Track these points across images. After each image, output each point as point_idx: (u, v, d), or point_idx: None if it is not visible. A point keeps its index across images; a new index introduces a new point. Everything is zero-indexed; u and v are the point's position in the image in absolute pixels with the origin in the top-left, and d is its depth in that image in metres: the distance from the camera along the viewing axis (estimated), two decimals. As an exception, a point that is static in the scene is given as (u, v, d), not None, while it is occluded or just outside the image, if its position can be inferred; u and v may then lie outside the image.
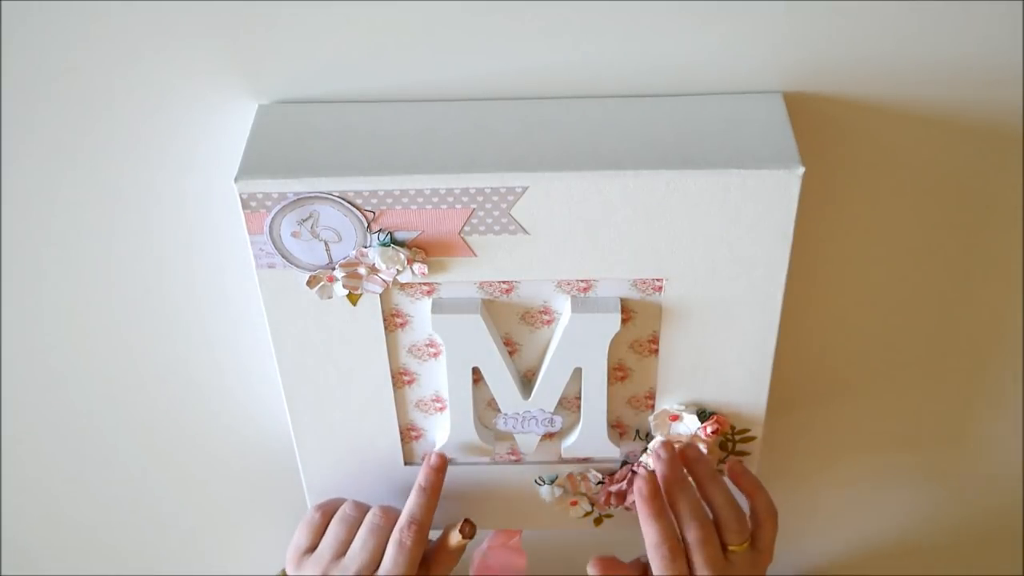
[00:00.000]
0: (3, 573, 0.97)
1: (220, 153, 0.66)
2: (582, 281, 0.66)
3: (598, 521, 0.80)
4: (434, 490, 0.73)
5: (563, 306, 0.67)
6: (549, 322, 0.68)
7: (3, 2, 0.61)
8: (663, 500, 0.70)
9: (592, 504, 0.78)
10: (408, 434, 0.75)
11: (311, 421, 0.73)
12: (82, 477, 0.89)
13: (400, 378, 0.71)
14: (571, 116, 0.63)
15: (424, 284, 0.66)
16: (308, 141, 0.62)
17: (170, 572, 0.97)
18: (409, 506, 0.72)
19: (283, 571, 0.78)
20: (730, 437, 0.74)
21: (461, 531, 0.73)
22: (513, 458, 0.76)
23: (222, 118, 0.65)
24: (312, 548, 0.74)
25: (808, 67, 0.63)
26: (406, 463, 0.76)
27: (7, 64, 0.64)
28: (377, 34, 0.62)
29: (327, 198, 0.60)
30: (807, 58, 0.63)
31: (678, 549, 0.69)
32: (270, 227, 0.62)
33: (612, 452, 0.75)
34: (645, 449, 0.75)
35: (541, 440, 0.75)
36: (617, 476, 0.76)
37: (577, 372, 0.70)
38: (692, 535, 0.69)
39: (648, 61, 0.63)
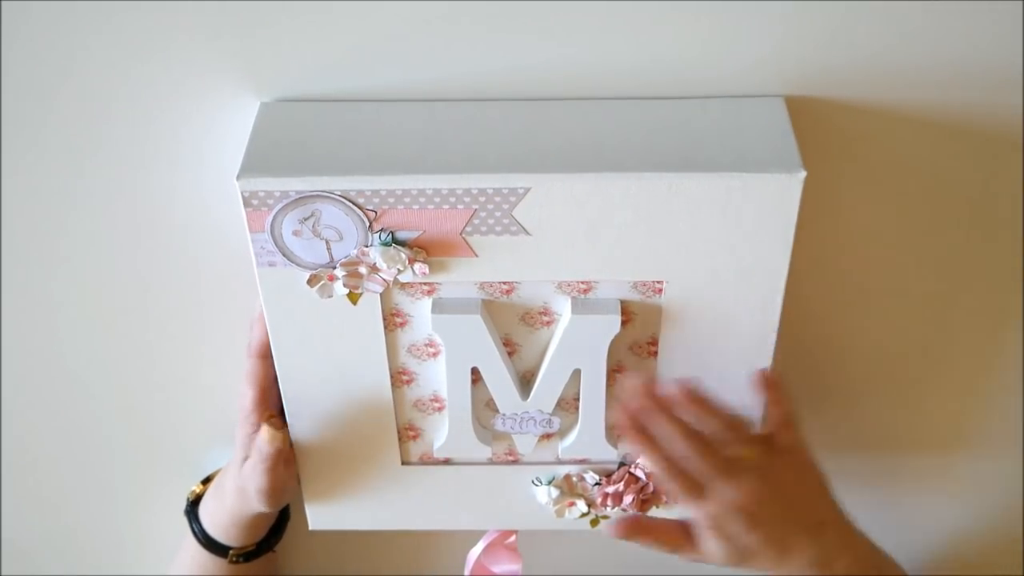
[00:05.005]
0: (3, 573, 0.97)
1: (222, 151, 0.66)
2: (582, 283, 0.66)
3: (595, 522, 0.80)
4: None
5: (563, 307, 0.67)
6: (549, 323, 0.69)
7: (4, 2, 0.61)
8: (645, 429, 0.67)
9: (589, 505, 0.78)
10: (406, 434, 0.75)
11: (309, 419, 0.73)
12: (83, 478, 0.89)
13: (399, 377, 0.71)
14: (573, 118, 0.63)
15: (424, 284, 0.66)
16: (310, 140, 0.62)
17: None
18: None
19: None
20: (728, 439, 0.74)
21: (269, 423, 0.70)
22: (511, 458, 0.76)
23: (224, 116, 0.65)
24: None
25: (810, 71, 0.64)
26: (404, 463, 0.76)
27: (10, 64, 0.64)
28: (380, 33, 0.62)
29: (329, 197, 0.60)
30: (809, 62, 0.63)
31: (676, 468, 0.66)
32: (271, 225, 0.62)
33: (610, 454, 0.75)
34: (643, 451, 0.75)
35: (539, 441, 0.75)
36: (614, 477, 0.76)
37: (576, 373, 0.70)
38: (680, 451, 0.66)
39: (651, 63, 0.63)
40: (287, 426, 0.71)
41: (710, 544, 0.68)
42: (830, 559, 0.68)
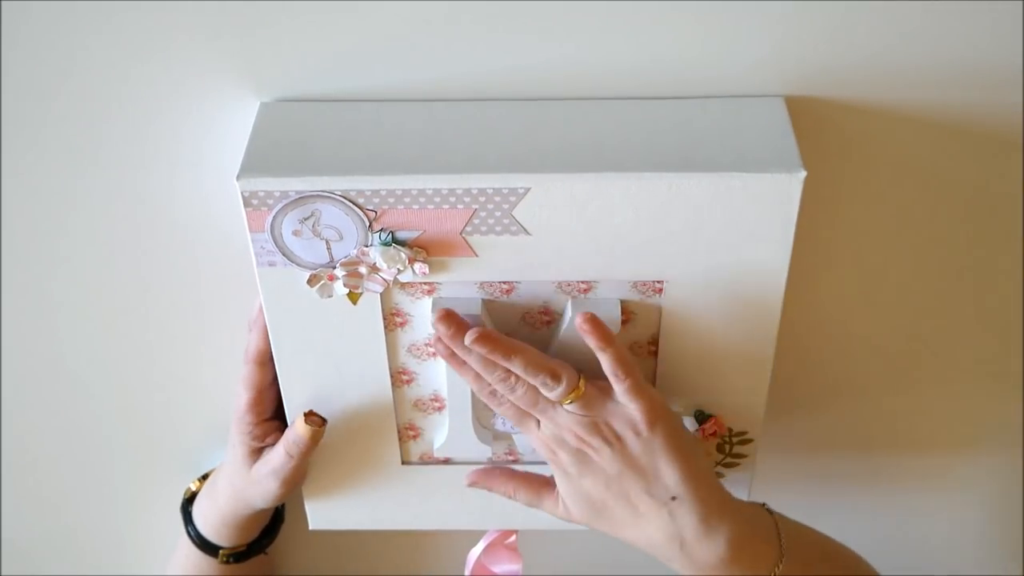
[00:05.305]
0: (3, 573, 0.97)
1: (222, 151, 0.66)
2: (582, 282, 0.66)
3: (595, 522, 0.80)
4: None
5: (563, 307, 0.67)
6: (549, 323, 0.69)
7: (4, 2, 0.61)
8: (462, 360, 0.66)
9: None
10: (406, 433, 0.75)
11: (309, 419, 0.73)
12: (83, 478, 0.89)
13: (399, 377, 0.71)
14: (574, 118, 0.63)
15: (425, 284, 0.66)
16: (310, 139, 0.62)
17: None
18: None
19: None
20: (728, 439, 0.74)
21: (307, 420, 0.70)
22: (511, 458, 0.76)
23: (224, 116, 0.65)
24: None
25: (810, 71, 0.64)
26: (404, 462, 0.76)
27: (10, 64, 0.64)
28: (380, 33, 0.62)
29: (329, 197, 0.60)
30: (809, 62, 0.63)
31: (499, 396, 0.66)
32: (271, 225, 0.62)
33: (610, 453, 0.75)
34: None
35: (539, 441, 0.75)
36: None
37: (576, 373, 0.70)
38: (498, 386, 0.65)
39: (651, 63, 0.63)
40: (325, 423, 0.71)
41: (562, 489, 0.68)
42: (690, 543, 0.66)
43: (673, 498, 0.65)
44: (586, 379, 0.65)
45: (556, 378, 0.64)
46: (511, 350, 0.64)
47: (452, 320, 0.64)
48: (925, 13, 0.61)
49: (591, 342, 0.64)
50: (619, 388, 0.64)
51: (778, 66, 0.63)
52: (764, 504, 0.71)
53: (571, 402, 0.65)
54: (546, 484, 0.70)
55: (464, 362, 0.65)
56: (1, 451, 0.87)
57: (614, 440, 0.65)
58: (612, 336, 0.64)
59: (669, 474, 0.65)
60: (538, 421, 0.67)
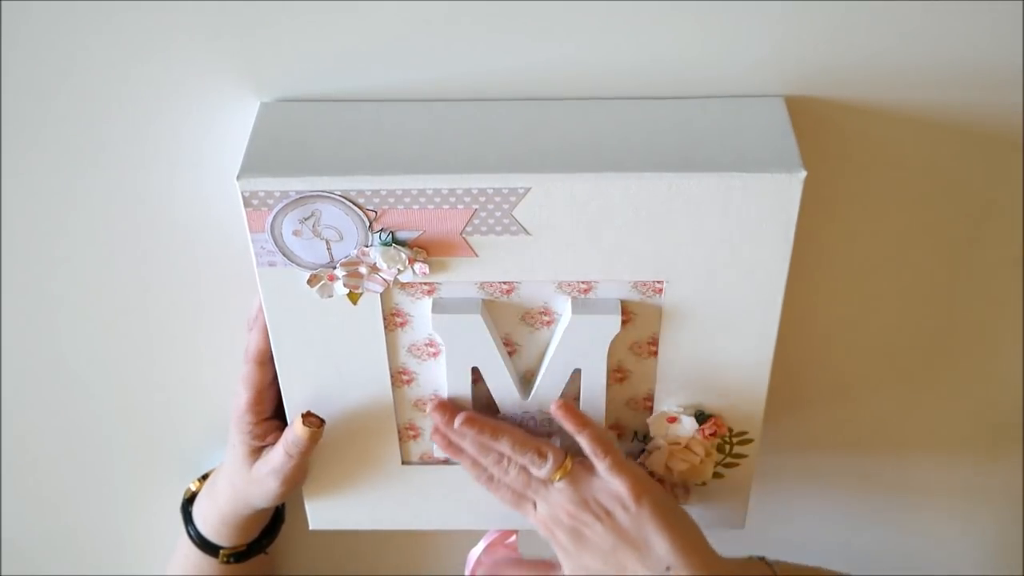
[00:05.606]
0: (3, 573, 0.97)
1: (222, 151, 0.66)
2: (583, 282, 0.66)
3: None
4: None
5: (563, 307, 0.68)
6: (549, 323, 0.69)
7: (4, 2, 0.61)
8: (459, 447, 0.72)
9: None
10: (406, 433, 0.75)
11: (309, 419, 0.73)
12: (83, 478, 0.89)
13: (399, 377, 0.71)
14: (574, 118, 0.63)
15: (425, 284, 0.66)
16: (310, 140, 0.62)
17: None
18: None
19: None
20: (728, 440, 0.74)
21: (305, 422, 0.70)
22: (510, 458, 0.77)
23: (224, 116, 0.65)
24: None
25: (810, 71, 0.64)
26: (404, 462, 0.76)
27: (10, 64, 0.64)
28: (380, 33, 0.62)
29: (329, 197, 0.60)
30: (809, 62, 0.63)
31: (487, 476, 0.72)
32: (271, 225, 0.62)
33: (610, 453, 0.75)
34: (643, 450, 0.75)
35: (539, 441, 0.75)
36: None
37: (576, 373, 0.70)
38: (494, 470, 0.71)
39: (651, 63, 0.63)
40: (323, 424, 0.71)
41: (566, 567, 0.71)
42: None
43: (668, 569, 0.68)
44: (572, 457, 0.70)
45: (542, 456, 0.69)
46: (497, 431, 0.69)
47: (446, 409, 0.70)
48: (925, 13, 0.61)
49: (567, 427, 0.68)
50: (600, 467, 0.68)
51: (778, 66, 0.63)
52: (763, 557, 0.74)
53: (560, 479, 0.69)
54: (552, 567, 0.75)
55: (461, 450, 0.71)
56: (1, 451, 0.87)
57: (604, 515, 0.68)
58: (587, 418, 0.69)
59: (660, 544, 0.68)
60: (534, 503, 0.70)
